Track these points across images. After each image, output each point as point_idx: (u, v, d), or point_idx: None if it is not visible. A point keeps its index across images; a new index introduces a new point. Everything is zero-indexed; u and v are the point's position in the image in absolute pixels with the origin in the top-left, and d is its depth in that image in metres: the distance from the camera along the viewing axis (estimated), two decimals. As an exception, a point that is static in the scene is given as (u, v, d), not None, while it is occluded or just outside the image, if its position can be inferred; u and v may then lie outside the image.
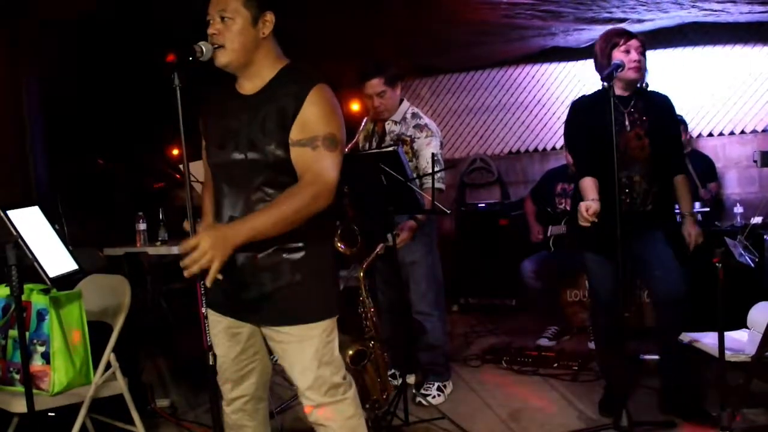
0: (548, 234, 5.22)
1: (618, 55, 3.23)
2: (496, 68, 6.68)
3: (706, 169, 5.30)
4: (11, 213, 3.05)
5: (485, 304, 6.09)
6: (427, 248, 3.87)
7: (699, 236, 3.40)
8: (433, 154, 3.68)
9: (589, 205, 3.15)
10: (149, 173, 6.43)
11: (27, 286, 2.75)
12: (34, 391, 2.55)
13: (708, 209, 4.83)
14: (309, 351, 2.17)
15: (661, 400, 3.47)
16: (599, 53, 3.31)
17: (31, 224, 3.14)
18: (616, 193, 2.97)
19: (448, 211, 3.52)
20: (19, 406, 2.59)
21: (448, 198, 6.26)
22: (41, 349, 2.76)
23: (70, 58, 5.15)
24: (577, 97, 3.55)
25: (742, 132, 5.66)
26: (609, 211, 3.02)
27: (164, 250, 4.33)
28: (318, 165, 2.07)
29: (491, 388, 4.04)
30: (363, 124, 3.92)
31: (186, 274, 1.96)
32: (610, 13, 4.68)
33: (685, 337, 3.18)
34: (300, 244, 2.15)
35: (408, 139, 3.79)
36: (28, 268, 2.96)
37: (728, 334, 2.96)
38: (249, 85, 2.20)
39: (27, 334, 2.68)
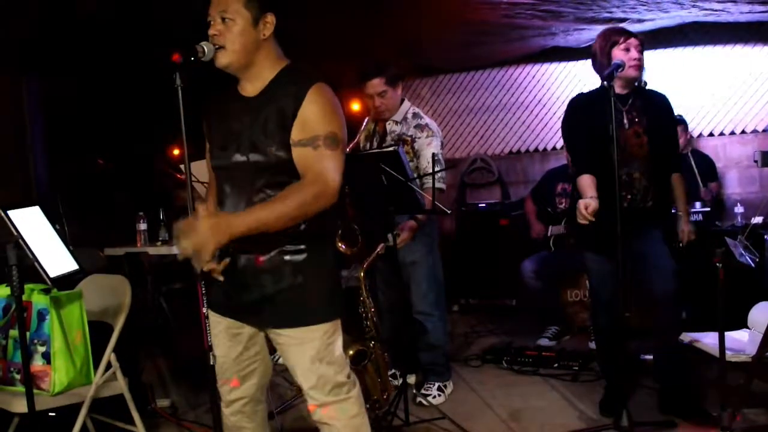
0: (548, 234, 5.22)
1: (618, 54, 3.24)
2: (497, 68, 6.68)
3: (706, 169, 5.30)
4: (12, 213, 3.05)
5: (486, 304, 6.08)
6: (427, 248, 3.87)
7: (691, 234, 3.48)
8: (433, 154, 3.68)
9: (588, 203, 3.15)
10: (149, 173, 6.44)
11: (28, 286, 2.76)
12: (35, 391, 2.55)
13: (708, 209, 4.83)
14: (309, 353, 2.16)
15: (662, 400, 3.47)
16: (599, 51, 3.31)
17: (31, 224, 3.14)
18: (616, 190, 2.97)
19: (449, 211, 3.51)
20: (20, 406, 2.60)
21: (449, 198, 6.26)
22: (42, 349, 2.76)
23: (70, 58, 5.16)
24: (574, 95, 3.55)
25: (743, 132, 5.66)
26: (609, 208, 3.02)
27: (165, 250, 4.33)
28: (319, 164, 2.07)
29: (491, 388, 4.04)
30: (364, 124, 3.92)
31: (179, 254, 1.95)
32: (611, 12, 4.68)
33: (686, 337, 3.18)
34: (302, 246, 2.15)
35: (409, 139, 3.79)
36: (29, 268, 2.96)
37: (729, 334, 2.96)
38: (250, 87, 2.20)
39: (27, 334, 2.68)
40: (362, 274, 3.43)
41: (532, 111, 6.55)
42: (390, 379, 3.59)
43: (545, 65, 6.43)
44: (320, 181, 2.06)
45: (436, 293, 3.91)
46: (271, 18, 2.15)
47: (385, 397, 3.38)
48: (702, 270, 4.37)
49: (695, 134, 5.76)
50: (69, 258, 3.28)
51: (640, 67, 3.27)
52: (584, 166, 3.31)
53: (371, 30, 5.06)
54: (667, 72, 5.69)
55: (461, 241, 6.30)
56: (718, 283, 2.74)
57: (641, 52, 3.28)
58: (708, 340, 3.06)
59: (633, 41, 3.26)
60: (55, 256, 3.19)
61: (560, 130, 3.71)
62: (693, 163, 5.15)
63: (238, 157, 2.14)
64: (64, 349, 2.76)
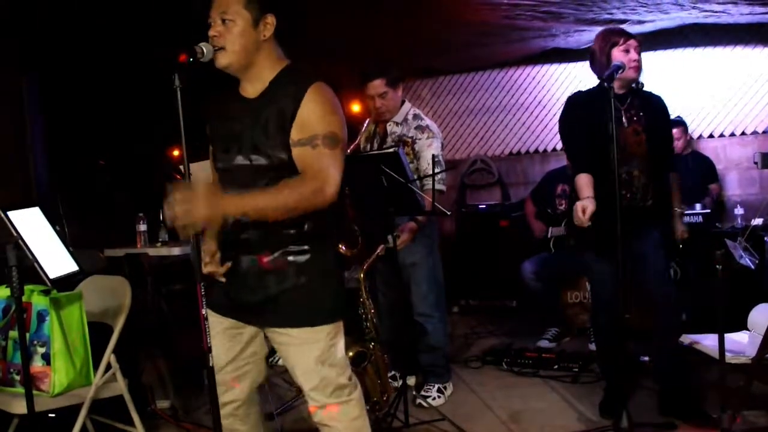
0: (549, 235, 5.22)
1: (618, 55, 3.24)
2: (497, 69, 6.68)
3: (706, 171, 5.31)
4: (12, 214, 3.05)
5: (486, 306, 6.08)
6: (428, 250, 3.86)
7: (684, 233, 3.53)
8: (433, 156, 3.68)
9: (585, 205, 3.15)
10: (150, 174, 6.43)
11: (27, 287, 2.75)
12: (35, 392, 2.55)
13: (709, 211, 4.83)
14: (312, 354, 2.16)
15: (661, 401, 3.47)
16: (598, 52, 3.31)
17: (31, 225, 3.14)
18: (616, 189, 2.97)
19: (449, 213, 3.52)
20: (20, 407, 2.59)
21: (449, 199, 6.25)
22: (41, 350, 2.76)
23: (70, 58, 5.16)
24: (572, 93, 3.55)
25: (743, 133, 5.66)
26: (609, 207, 3.02)
27: (165, 252, 4.33)
28: (319, 163, 2.06)
29: (491, 390, 4.04)
30: (365, 125, 3.92)
31: (169, 219, 1.93)
32: (611, 14, 4.68)
33: (686, 338, 3.18)
34: (305, 247, 2.15)
35: (409, 140, 3.79)
36: (29, 269, 2.96)
37: (729, 336, 2.96)
38: (251, 88, 2.20)
39: (27, 335, 2.68)
40: (362, 275, 3.43)
41: (532, 112, 6.55)
42: (390, 380, 3.58)
43: (545, 66, 6.43)
44: (319, 179, 2.05)
45: (436, 294, 3.91)
46: (271, 19, 2.15)
47: (384, 398, 3.38)
48: (701, 271, 4.39)
49: (695, 136, 5.77)
50: (69, 259, 3.28)
51: (639, 69, 3.28)
52: (582, 164, 3.31)
53: (371, 31, 5.06)
54: (667, 73, 5.69)
55: (461, 242, 6.30)
56: (717, 284, 2.74)
57: (639, 54, 3.29)
58: (708, 341, 3.06)
59: (632, 42, 3.27)
60: (54, 257, 3.19)
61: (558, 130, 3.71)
62: (691, 164, 5.15)
63: (240, 160, 2.14)
64: (64, 350, 2.76)
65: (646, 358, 4.08)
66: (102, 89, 5.65)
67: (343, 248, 3.32)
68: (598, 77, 3.33)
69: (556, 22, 4.96)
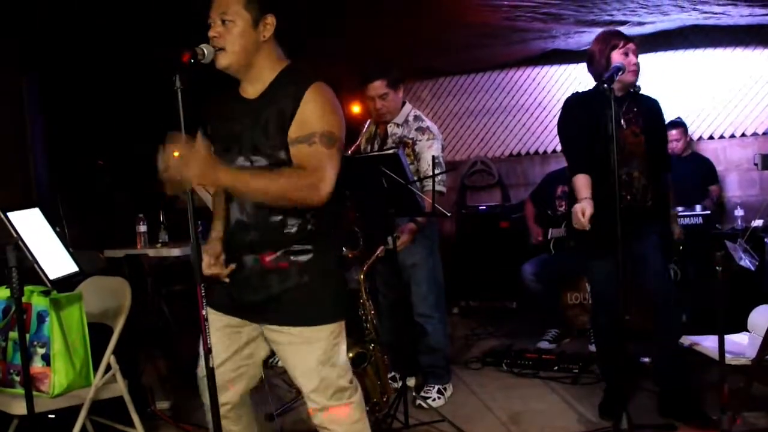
0: (549, 236, 5.22)
1: (617, 58, 3.24)
2: (497, 71, 6.68)
3: (706, 172, 5.31)
4: (12, 215, 3.05)
5: (486, 307, 6.08)
6: (428, 251, 3.86)
7: (680, 234, 3.59)
8: (433, 157, 3.68)
9: (585, 207, 3.15)
10: (150, 174, 6.43)
11: (27, 288, 2.75)
12: (34, 393, 2.55)
13: (709, 212, 4.83)
14: (315, 354, 2.16)
15: (661, 403, 3.47)
16: (597, 54, 3.31)
17: (31, 226, 3.15)
18: (616, 190, 2.97)
19: (449, 214, 3.51)
20: (19, 408, 2.59)
21: (449, 200, 6.25)
22: (41, 350, 2.76)
23: (70, 59, 5.16)
24: (570, 94, 3.55)
25: (743, 135, 5.67)
26: (609, 208, 3.02)
27: (165, 252, 4.33)
28: (315, 161, 2.05)
29: (491, 391, 4.04)
30: (366, 126, 3.92)
31: (161, 169, 1.93)
32: (611, 15, 4.68)
33: (686, 340, 3.18)
34: (308, 247, 2.15)
35: (410, 141, 3.79)
36: (29, 270, 2.96)
37: (729, 338, 2.95)
38: (251, 89, 2.20)
39: (27, 335, 2.68)
40: (362, 276, 3.43)
41: (532, 114, 6.56)
42: (390, 381, 3.58)
43: (546, 68, 6.44)
44: (315, 176, 2.05)
45: (436, 295, 3.90)
46: (271, 19, 2.15)
47: (384, 399, 3.38)
48: (702, 273, 4.39)
49: (695, 137, 5.77)
50: (69, 260, 3.29)
51: (637, 72, 3.30)
52: (581, 165, 3.30)
53: (372, 32, 5.06)
54: (667, 75, 5.69)
55: (461, 243, 6.30)
56: (717, 286, 2.74)
57: (637, 57, 3.30)
58: (708, 343, 3.06)
59: (631, 46, 3.28)
60: (54, 258, 3.19)
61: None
62: (691, 166, 5.16)
63: (241, 161, 2.15)
64: (64, 351, 2.76)
65: (646, 360, 4.08)
66: (102, 89, 5.65)
67: (344, 250, 3.32)
68: (596, 79, 3.34)
69: (556, 23, 4.97)
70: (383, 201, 3.41)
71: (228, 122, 2.20)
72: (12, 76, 5.01)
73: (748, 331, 3.10)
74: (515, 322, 5.67)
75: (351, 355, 3.23)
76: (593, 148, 3.24)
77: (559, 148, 6.22)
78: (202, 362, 2.26)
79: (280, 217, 2.13)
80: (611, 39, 3.30)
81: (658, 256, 3.35)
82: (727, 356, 2.78)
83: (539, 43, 5.71)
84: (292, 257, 2.14)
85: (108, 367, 2.87)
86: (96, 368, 2.86)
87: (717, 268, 2.73)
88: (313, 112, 2.08)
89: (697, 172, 5.26)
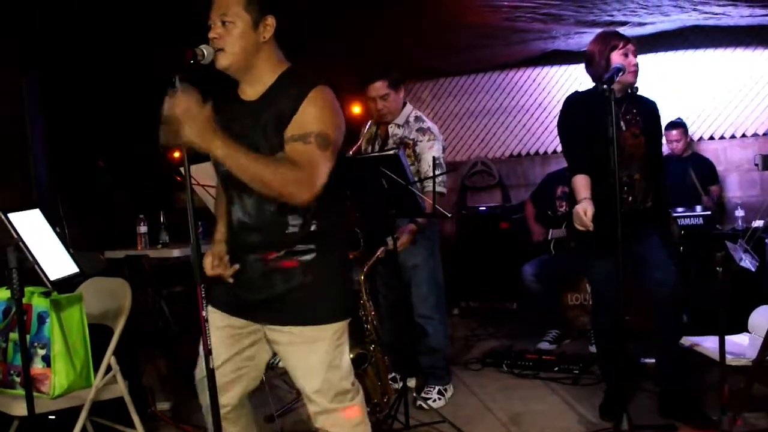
0: (549, 237, 5.22)
1: (617, 58, 3.23)
2: (498, 71, 6.68)
3: (707, 173, 5.30)
4: (12, 216, 3.06)
5: (486, 308, 6.08)
6: (428, 251, 3.86)
7: (678, 235, 3.60)
8: (434, 158, 3.66)
9: (586, 207, 3.14)
10: (150, 174, 6.43)
11: (28, 289, 2.75)
12: (35, 394, 2.54)
13: (709, 213, 4.83)
14: (317, 354, 2.15)
15: (662, 403, 3.47)
16: (597, 55, 3.30)
17: (32, 227, 3.15)
18: (617, 193, 2.97)
19: (449, 215, 3.51)
20: (20, 409, 2.59)
21: (449, 201, 6.26)
22: (42, 352, 2.76)
23: (70, 59, 5.16)
24: (570, 94, 3.55)
25: (743, 135, 5.67)
26: (610, 209, 3.01)
27: (165, 253, 4.33)
28: (309, 159, 2.04)
29: (492, 392, 4.04)
30: (366, 127, 3.92)
31: (164, 113, 1.93)
32: (611, 16, 4.68)
33: (686, 341, 3.18)
34: (311, 246, 2.14)
35: (411, 142, 3.79)
36: (29, 271, 2.96)
37: (729, 338, 2.95)
38: (251, 90, 2.19)
39: (28, 337, 2.68)
40: (362, 277, 3.43)
41: (532, 114, 6.56)
42: (390, 382, 3.59)
43: (546, 68, 6.44)
44: (307, 174, 2.03)
45: (436, 296, 3.90)
46: (271, 20, 2.15)
47: (385, 400, 3.38)
48: (702, 273, 4.39)
49: (696, 138, 5.77)
50: (69, 261, 3.29)
51: (636, 73, 3.29)
52: (580, 165, 3.29)
53: (372, 32, 5.06)
54: (667, 75, 5.69)
55: (462, 244, 6.30)
56: (718, 286, 2.73)
57: (636, 57, 3.30)
58: (708, 344, 3.05)
59: (631, 47, 3.28)
60: (55, 259, 3.19)
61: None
62: (692, 167, 5.16)
63: None
64: (64, 352, 2.76)
65: (647, 360, 4.07)
66: (102, 89, 5.66)
67: (345, 250, 3.33)
68: (595, 80, 3.33)
69: (556, 24, 4.97)
70: (384, 202, 3.41)
71: (227, 124, 2.20)
72: (12, 76, 5.01)
73: (748, 331, 3.10)
74: (515, 322, 5.67)
75: (352, 356, 3.22)
76: (593, 148, 3.23)
77: (559, 148, 6.26)
78: (201, 364, 2.26)
79: (282, 218, 2.12)
80: (611, 40, 3.29)
81: (662, 253, 3.34)
82: (728, 357, 2.78)
83: (539, 43, 5.71)
84: (295, 257, 2.14)
85: (108, 368, 2.87)
86: (96, 369, 2.86)
87: (717, 268, 2.72)
88: (312, 113, 2.07)
89: (697, 173, 5.25)
